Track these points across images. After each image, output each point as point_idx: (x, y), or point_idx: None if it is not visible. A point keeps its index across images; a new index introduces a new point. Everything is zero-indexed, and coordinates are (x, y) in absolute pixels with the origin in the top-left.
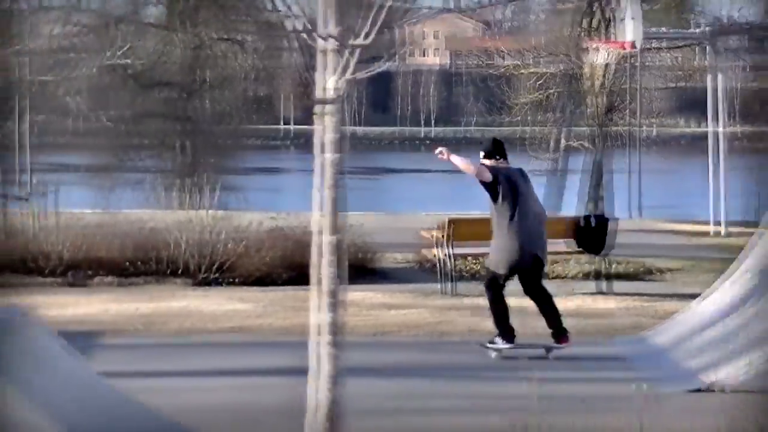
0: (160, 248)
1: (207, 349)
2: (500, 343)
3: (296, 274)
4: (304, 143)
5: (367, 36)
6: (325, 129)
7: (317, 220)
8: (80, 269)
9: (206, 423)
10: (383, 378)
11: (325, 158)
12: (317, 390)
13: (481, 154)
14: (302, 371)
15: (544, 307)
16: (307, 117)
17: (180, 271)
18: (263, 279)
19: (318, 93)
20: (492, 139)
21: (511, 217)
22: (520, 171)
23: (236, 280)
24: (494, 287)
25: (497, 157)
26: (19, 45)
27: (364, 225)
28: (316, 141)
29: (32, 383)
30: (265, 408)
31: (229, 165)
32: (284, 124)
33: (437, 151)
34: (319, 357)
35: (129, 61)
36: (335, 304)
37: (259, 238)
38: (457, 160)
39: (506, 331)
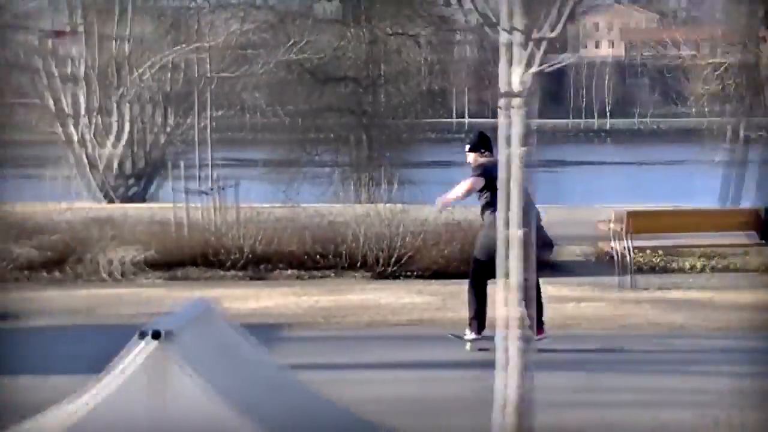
0: (339, 242)
1: (386, 341)
2: (472, 334)
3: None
4: None
5: (553, 28)
6: (511, 123)
7: (506, 213)
8: (264, 263)
9: (387, 415)
10: (568, 371)
11: (511, 152)
12: (505, 384)
13: (467, 146)
14: (480, 364)
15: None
16: (481, 110)
17: (359, 265)
18: (441, 272)
19: (502, 86)
20: (478, 133)
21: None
22: None
23: (414, 273)
24: (479, 276)
25: (482, 151)
26: (198, 42)
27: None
28: (501, 134)
29: (217, 374)
30: (446, 401)
31: (406, 158)
32: (458, 117)
33: (438, 209)
34: (507, 351)
35: (305, 56)
36: (521, 298)
37: (437, 231)
38: (453, 194)
39: (480, 322)
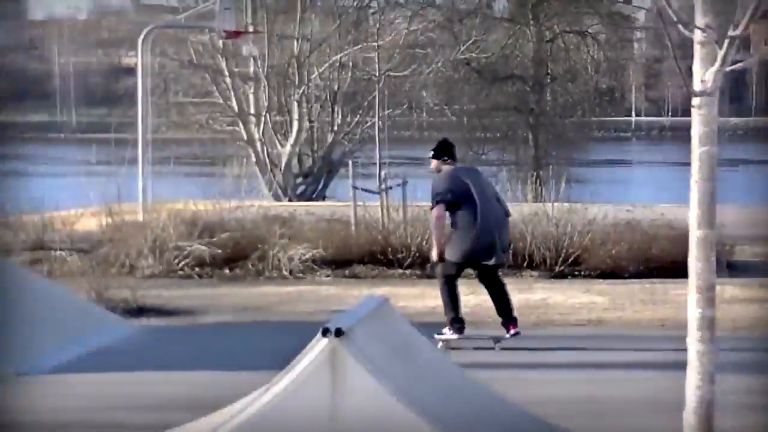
0: (509, 241)
1: (554, 341)
2: (449, 334)
3: (643, 267)
4: (656, 135)
5: (746, 27)
6: (699, 121)
7: (694, 213)
8: (427, 261)
9: (566, 416)
10: (750, 374)
11: (701, 151)
12: (695, 386)
13: (430, 153)
14: (657, 366)
15: (497, 296)
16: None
17: (526, 264)
18: (608, 272)
19: (695, 85)
20: (442, 140)
21: (471, 216)
22: (473, 170)
23: (581, 272)
24: (449, 278)
25: (445, 158)
26: (369, 41)
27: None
28: (694, 133)
29: (395, 372)
30: (626, 402)
31: (576, 157)
32: (635, 115)
33: (435, 259)
34: (696, 353)
35: (473, 55)
36: (710, 299)
37: (604, 231)
38: (436, 240)
39: (457, 322)
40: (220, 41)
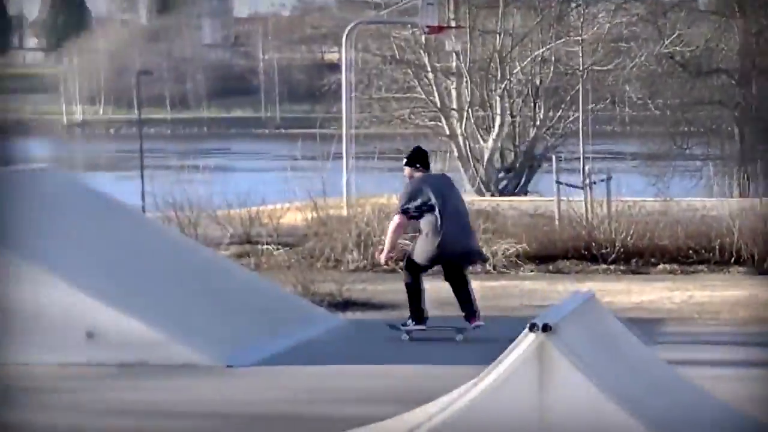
0: (713, 236)
1: (764, 339)
2: (412, 325)
3: None
4: None
5: None
6: None
7: None
8: (636, 257)
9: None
10: None
11: None
12: None
13: (404, 161)
14: None
15: (461, 292)
16: None
17: (733, 260)
18: None
19: None
20: (415, 149)
21: (438, 221)
22: (443, 177)
23: None
24: (413, 271)
25: (417, 166)
26: (572, 35)
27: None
28: None
29: (603, 368)
30: None
31: None
32: None
33: (382, 261)
34: None
35: (677, 48)
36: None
37: None
38: (389, 241)
39: (419, 313)
40: (423, 36)
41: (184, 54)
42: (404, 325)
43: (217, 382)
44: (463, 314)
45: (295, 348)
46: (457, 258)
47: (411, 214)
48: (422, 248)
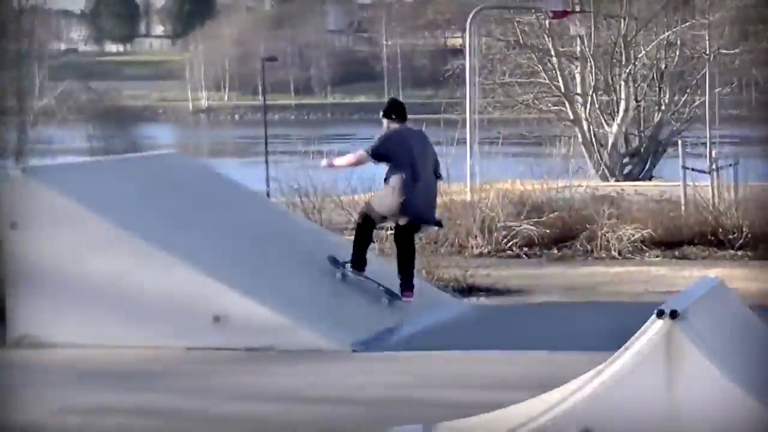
0: None
1: None
2: (349, 269)
3: None
4: None
5: None
6: None
7: None
8: (765, 242)
9: None
10: None
11: None
12: None
13: (381, 113)
14: None
15: (406, 257)
16: None
17: None
18: None
19: None
20: (390, 100)
21: (405, 176)
22: (419, 133)
23: None
24: (367, 223)
25: (393, 117)
26: (698, 19)
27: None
28: None
29: (733, 355)
30: None
31: None
32: None
33: (322, 164)
34: None
35: None
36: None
37: None
38: (343, 161)
39: (360, 260)
40: (547, 21)
41: (308, 40)
42: (345, 264)
43: (342, 367)
44: (400, 281)
45: (420, 333)
46: (416, 220)
47: (378, 156)
48: (385, 201)
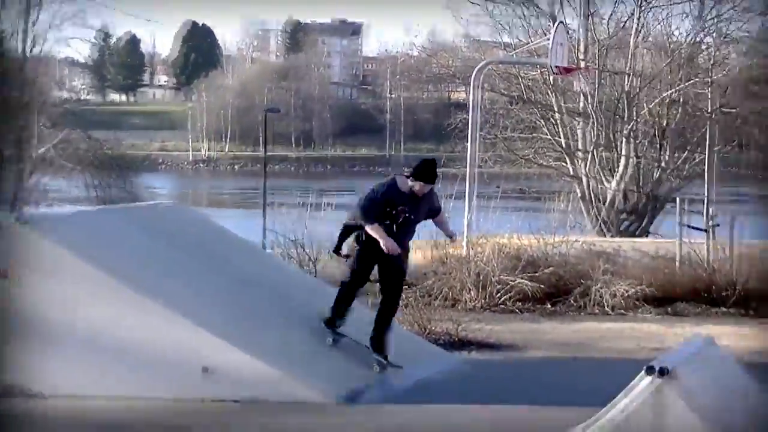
0: None
1: None
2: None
3: None
4: None
5: None
6: None
7: None
8: (757, 301)
9: None
10: None
11: None
12: None
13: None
14: None
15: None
16: None
17: None
18: None
19: None
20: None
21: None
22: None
23: None
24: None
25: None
26: (702, 77)
27: None
28: None
29: (721, 413)
30: None
31: None
32: None
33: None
34: None
35: None
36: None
37: None
38: (381, 235)
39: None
40: (551, 77)
41: (311, 92)
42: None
43: (330, 419)
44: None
45: (410, 386)
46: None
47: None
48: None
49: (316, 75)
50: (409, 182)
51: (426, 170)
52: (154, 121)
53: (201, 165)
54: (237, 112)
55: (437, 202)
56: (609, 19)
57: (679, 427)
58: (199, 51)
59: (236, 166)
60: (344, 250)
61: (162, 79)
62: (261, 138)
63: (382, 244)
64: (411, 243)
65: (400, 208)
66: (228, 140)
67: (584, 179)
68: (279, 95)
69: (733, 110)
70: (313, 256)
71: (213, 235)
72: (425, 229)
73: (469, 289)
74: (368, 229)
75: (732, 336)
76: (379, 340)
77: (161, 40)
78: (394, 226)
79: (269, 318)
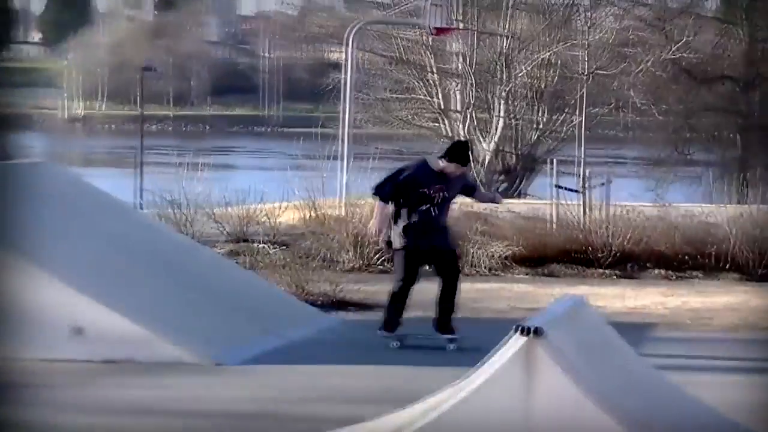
0: (709, 243)
1: (755, 345)
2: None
3: None
4: None
5: None
6: None
7: None
8: (632, 261)
9: (751, 419)
10: None
11: None
12: None
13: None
14: None
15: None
16: None
17: (728, 266)
18: None
19: None
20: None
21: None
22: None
23: None
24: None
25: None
26: (577, 40)
27: None
28: None
29: (589, 372)
30: None
31: None
32: None
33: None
34: None
35: (683, 55)
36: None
37: None
38: (377, 217)
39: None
40: (428, 38)
41: (188, 51)
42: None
43: (206, 380)
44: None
45: (286, 347)
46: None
47: (386, 201)
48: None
49: (192, 34)
50: (441, 163)
51: (460, 152)
52: (27, 78)
53: (76, 124)
54: (112, 70)
55: (471, 179)
56: None
57: (548, 386)
58: (73, 8)
59: (112, 126)
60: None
61: (36, 36)
62: (137, 97)
63: (369, 224)
64: (288, 203)
65: (437, 187)
66: (104, 99)
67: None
68: (155, 54)
69: (607, 73)
70: (190, 217)
71: (85, 194)
72: (303, 188)
73: (347, 250)
74: (375, 206)
75: (605, 297)
76: (443, 322)
77: None
78: (433, 208)
79: (142, 279)
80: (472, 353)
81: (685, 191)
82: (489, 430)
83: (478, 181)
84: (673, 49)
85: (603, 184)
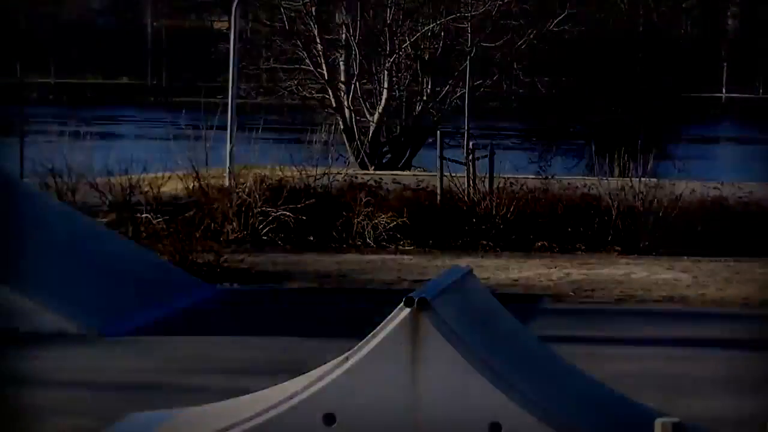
0: (592, 215)
1: (636, 317)
2: None
3: (729, 245)
4: (746, 112)
5: None
6: None
7: None
8: (516, 234)
9: (635, 391)
10: None
11: None
12: None
13: None
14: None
15: None
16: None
17: (610, 239)
18: (692, 249)
19: None
20: None
21: None
22: None
23: (665, 249)
24: None
25: None
26: (461, 12)
27: None
28: None
29: (475, 343)
30: (703, 380)
31: (665, 133)
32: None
33: None
34: None
35: (567, 27)
36: None
37: (690, 208)
38: None
39: None
40: (314, 8)
41: (71, 18)
42: None
43: (86, 350)
44: None
45: (169, 318)
46: None
47: None
48: None
49: (76, 1)
50: None
51: None
52: None
53: None
54: None
55: None
56: None
57: (434, 357)
58: None
59: None
60: None
61: None
62: (18, 64)
63: None
64: (172, 173)
65: None
66: None
67: (346, 111)
68: (36, 21)
69: (491, 45)
70: (71, 186)
71: None
72: (187, 158)
73: (231, 221)
74: None
75: (490, 268)
76: None
77: None
78: None
79: (23, 248)
80: (360, 324)
81: (567, 164)
82: (374, 402)
83: (364, 153)
84: (556, 21)
85: (487, 156)
